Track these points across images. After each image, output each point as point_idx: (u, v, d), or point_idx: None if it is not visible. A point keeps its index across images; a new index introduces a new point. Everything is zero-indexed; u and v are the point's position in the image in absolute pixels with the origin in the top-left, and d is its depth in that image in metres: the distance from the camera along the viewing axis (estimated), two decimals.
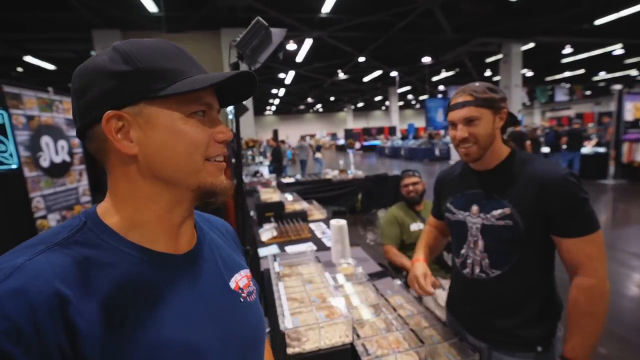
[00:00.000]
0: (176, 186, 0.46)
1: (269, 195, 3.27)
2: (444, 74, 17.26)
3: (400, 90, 21.68)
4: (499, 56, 11.77)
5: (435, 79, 17.99)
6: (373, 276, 1.68)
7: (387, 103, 25.34)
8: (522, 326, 1.01)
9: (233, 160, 6.18)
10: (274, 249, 2.25)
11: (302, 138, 13.63)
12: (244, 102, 3.65)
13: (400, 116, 24.60)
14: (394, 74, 16.15)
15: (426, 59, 12.94)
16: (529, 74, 16.99)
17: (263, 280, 1.42)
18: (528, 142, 8.27)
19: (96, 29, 7.44)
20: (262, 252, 2.19)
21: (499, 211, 0.99)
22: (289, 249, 2.22)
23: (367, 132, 26.95)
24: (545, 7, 8.81)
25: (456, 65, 15.51)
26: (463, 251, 1.09)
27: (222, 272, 0.54)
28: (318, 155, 12.02)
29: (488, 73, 16.95)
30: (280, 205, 2.82)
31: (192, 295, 0.47)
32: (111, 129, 0.42)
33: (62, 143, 2.63)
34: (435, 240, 1.30)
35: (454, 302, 1.19)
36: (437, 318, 1.25)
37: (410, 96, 26.44)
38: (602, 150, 7.80)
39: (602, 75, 19.71)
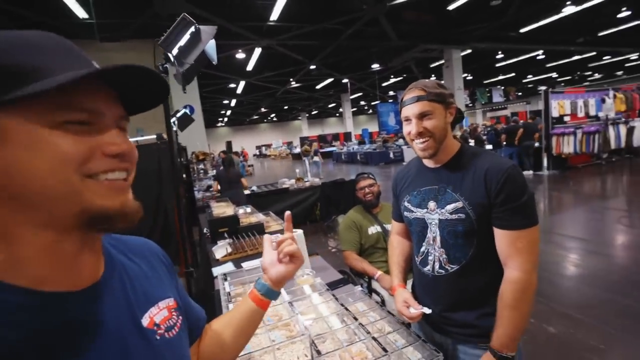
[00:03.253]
0: (49, 213, 0.37)
1: (222, 209, 3.09)
2: (392, 80, 18.06)
3: (352, 97, 22.28)
4: (442, 62, 12.57)
5: (384, 84, 18.77)
6: (334, 285, 1.61)
7: (340, 110, 25.90)
8: (484, 317, 1.02)
9: (184, 176, 5.83)
10: (229, 267, 2.10)
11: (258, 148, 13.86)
12: (188, 113, 3.43)
13: (355, 122, 25.27)
14: (345, 81, 16.55)
15: (375, 66, 13.44)
16: (469, 77, 18.38)
17: (214, 302, 1.29)
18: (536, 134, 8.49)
19: None
20: (217, 270, 2.03)
21: (452, 205, 1.00)
22: (246, 264, 2.08)
23: (323, 139, 27.24)
24: (478, 16, 9.60)
25: (404, 72, 16.30)
26: (423, 248, 1.10)
27: (134, 308, 0.46)
28: (316, 158, 12.72)
29: (433, 77, 18.02)
30: (234, 219, 2.66)
31: (94, 342, 0.39)
32: None
33: None
34: (404, 251, 1.27)
35: (417, 301, 1.17)
36: (400, 322, 1.21)
37: (362, 102, 27.30)
38: (537, 144, 8.56)
39: (530, 77, 21.97)
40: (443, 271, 1.05)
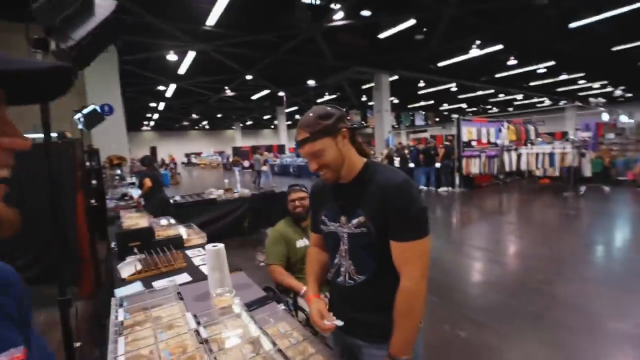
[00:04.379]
0: None
1: (135, 221, 2.73)
2: (327, 97, 18.69)
3: (287, 110, 22.45)
4: (372, 84, 13.44)
5: (319, 100, 19.31)
6: (257, 303, 1.50)
7: (275, 122, 25.84)
8: (388, 319, 1.04)
9: (94, 182, 5.10)
10: (136, 287, 1.83)
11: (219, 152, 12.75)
12: (97, 110, 3.04)
13: (289, 135, 25.36)
14: (281, 94, 16.62)
15: (311, 82, 13.77)
16: (396, 101, 19.99)
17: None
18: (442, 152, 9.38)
19: None
20: (121, 292, 1.76)
21: (356, 220, 1.05)
22: (158, 283, 1.85)
23: (256, 151, 26.72)
24: (404, 46, 10.56)
25: (338, 90, 17.03)
26: (336, 260, 1.14)
27: None
28: (264, 168, 12.23)
29: (364, 98, 19.16)
30: (148, 232, 2.37)
31: None
32: None
33: None
34: (321, 263, 1.29)
35: (332, 308, 1.19)
36: (323, 342, 1.17)
37: (297, 116, 27.64)
38: (451, 164, 9.60)
39: (445, 106, 24.86)
40: (352, 281, 1.10)
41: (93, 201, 4.52)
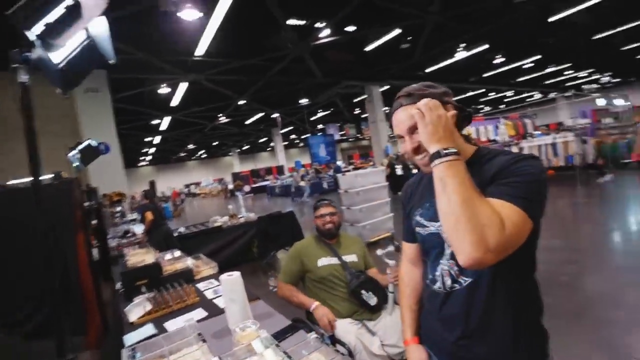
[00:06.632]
0: None
1: (140, 257, 2.60)
2: (320, 114, 18.84)
3: (283, 131, 22.58)
4: (364, 96, 13.55)
5: (313, 118, 19.47)
6: (282, 334, 1.36)
7: (272, 144, 25.96)
8: (517, 356, 0.83)
9: (94, 222, 4.96)
10: (148, 330, 1.68)
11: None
12: (93, 144, 2.93)
13: (287, 155, 25.41)
14: (275, 115, 16.74)
15: (303, 101, 13.88)
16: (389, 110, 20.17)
17: None
18: None
19: None
20: (131, 338, 1.60)
21: None
22: (171, 324, 1.70)
23: (255, 174, 26.72)
24: (391, 57, 10.71)
25: (330, 106, 17.16)
26: (438, 271, 0.90)
27: None
28: (302, 183, 13.51)
29: (357, 111, 19.32)
30: (155, 268, 2.23)
31: None
32: None
33: None
34: (415, 288, 1.07)
35: (428, 328, 0.98)
36: None
37: (293, 136, 27.82)
38: None
39: None
40: (457, 285, 0.85)
41: (95, 242, 4.38)
